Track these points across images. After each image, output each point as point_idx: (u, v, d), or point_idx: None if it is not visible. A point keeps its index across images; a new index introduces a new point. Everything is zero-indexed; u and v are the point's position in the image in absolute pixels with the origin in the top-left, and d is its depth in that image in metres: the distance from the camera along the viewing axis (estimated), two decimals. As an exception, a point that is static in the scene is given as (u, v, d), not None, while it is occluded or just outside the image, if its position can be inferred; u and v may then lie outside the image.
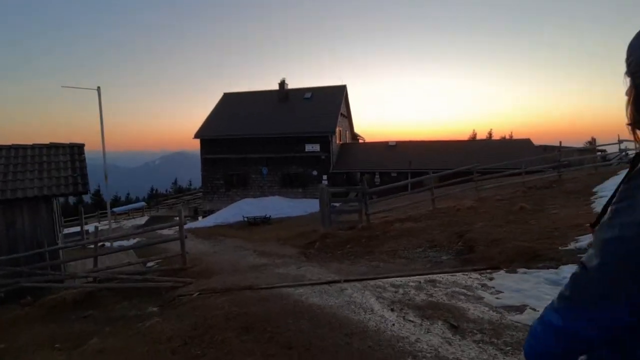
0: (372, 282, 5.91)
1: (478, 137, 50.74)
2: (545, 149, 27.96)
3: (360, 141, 35.85)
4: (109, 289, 8.02)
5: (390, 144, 28.80)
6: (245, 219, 19.82)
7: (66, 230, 25.84)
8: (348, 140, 32.44)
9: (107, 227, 25.07)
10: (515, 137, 42.35)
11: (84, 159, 10.34)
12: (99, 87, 16.15)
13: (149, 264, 11.36)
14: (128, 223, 33.17)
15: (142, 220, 32.70)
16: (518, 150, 26.10)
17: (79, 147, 10.67)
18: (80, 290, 8.26)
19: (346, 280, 6.19)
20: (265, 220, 19.49)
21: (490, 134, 53.09)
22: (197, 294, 6.52)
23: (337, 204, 12.19)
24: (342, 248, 9.37)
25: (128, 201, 68.66)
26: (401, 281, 5.82)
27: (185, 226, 21.31)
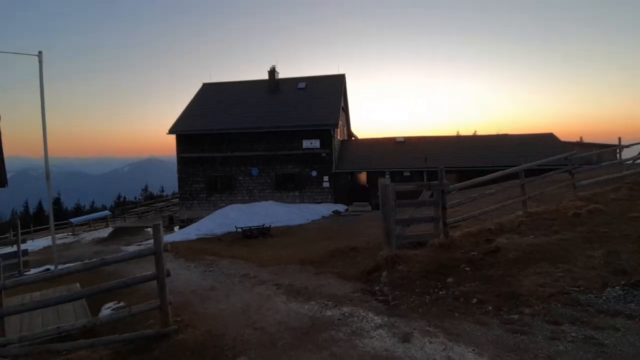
0: None
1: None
2: (574, 145, 25.24)
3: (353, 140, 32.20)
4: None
5: (398, 140, 25.25)
6: (239, 230, 15.59)
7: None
8: (345, 138, 28.71)
9: (53, 243, 20.21)
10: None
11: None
12: (40, 52, 11.66)
13: (104, 313, 7.10)
14: (88, 236, 28.03)
15: (106, 232, 27.65)
16: (543, 145, 23.16)
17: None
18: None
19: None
20: (263, 232, 15.34)
21: (474, 134, 50.87)
22: None
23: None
24: (441, 284, 5.49)
25: (92, 210, 62.41)
26: None
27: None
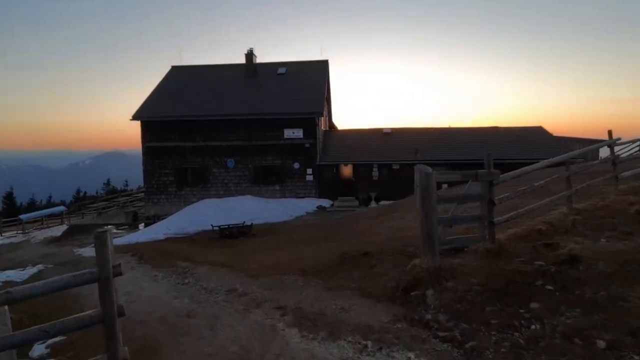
0: None
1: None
2: (559, 140, 24.63)
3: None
4: None
5: (385, 131, 23.78)
6: (216, 229, 13.53)
7: None
8: (327, 129, 26.97)
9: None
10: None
11: None
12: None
13: (36, 354, 5.06)
14: (40, 234, 24.89)
15: (60, 230, 24.64)
16: (535, 138, 22.38)
17: None
18: None
19: None
20: (244, 231, 13.38)
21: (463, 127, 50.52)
22: None
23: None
24: (526, 312, 3.87)
25: (49, 205, 57.68)
26: None
27: (123, 240, 14.33)
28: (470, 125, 25.19)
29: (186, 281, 7.28)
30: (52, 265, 12.02)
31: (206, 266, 8.44)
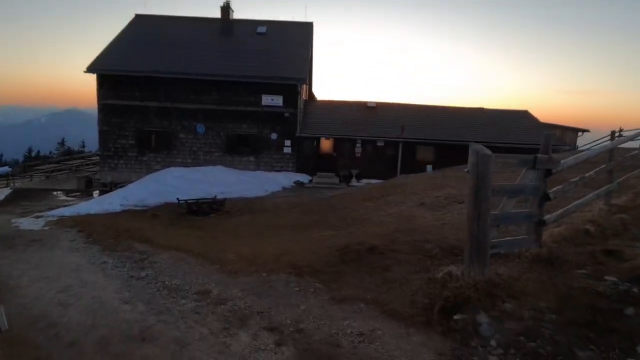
0: None
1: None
2: (545, 126, 24.12)
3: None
4: None
5: (369, 104, 22.32)
6: (182, 203, 11.80)
7: None
8: (306, 98, 25.17)
9: None
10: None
11: None
12: None
13: None
14: (-21, 197, 22.01)
15: (3, 194, 21.85)
16: (521, 122, 21.71)
17: None
18: None
19: None
20: (216, 207, 11.74)
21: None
22: None
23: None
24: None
25: (-3, 164, 52.78)
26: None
27: (71, 210, 12.59)
28: (456, 105, 24.11)
29: (143, 274, 5.71)
30: None
31: (170, 252, 6.87)
